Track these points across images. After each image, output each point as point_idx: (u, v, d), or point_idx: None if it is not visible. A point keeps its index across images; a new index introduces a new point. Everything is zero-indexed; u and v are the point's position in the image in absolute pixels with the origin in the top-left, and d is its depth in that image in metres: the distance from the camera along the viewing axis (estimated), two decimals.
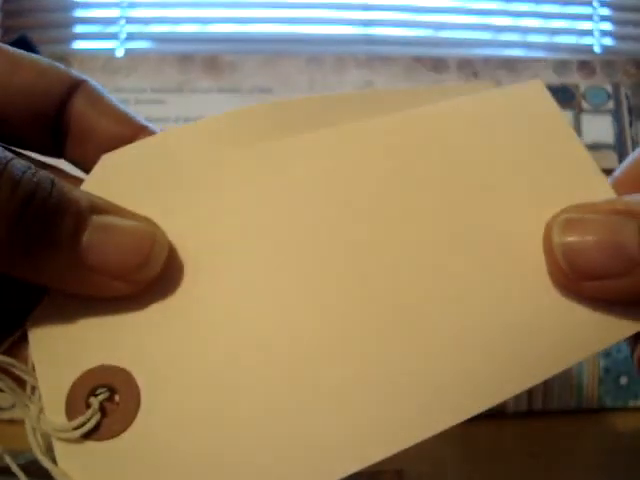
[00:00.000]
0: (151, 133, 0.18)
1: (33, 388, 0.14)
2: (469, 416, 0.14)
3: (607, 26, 0.70)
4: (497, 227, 0.16)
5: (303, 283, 0.15)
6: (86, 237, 0.14)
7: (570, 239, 0.14)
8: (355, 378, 0.14)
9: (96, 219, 0.14)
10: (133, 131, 0.18)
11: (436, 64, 0.65)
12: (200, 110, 0.57)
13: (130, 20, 0.68)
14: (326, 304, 0.15)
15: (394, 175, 0.16)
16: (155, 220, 0.15)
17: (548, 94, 0.17)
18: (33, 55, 0.17)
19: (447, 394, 0.14)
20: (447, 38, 0.69)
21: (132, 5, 0.68)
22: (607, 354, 0.41)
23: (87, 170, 0.17)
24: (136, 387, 0.14)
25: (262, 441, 0.14)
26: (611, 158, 0.51)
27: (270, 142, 0.16)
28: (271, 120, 0.17)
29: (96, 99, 0.18)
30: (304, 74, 0.63)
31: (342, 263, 0.15)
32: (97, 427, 0.14)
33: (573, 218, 0.15)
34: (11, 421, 0.35)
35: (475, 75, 0.63)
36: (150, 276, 0.14)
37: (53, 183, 0.13)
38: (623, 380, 0.44)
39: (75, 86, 0.17)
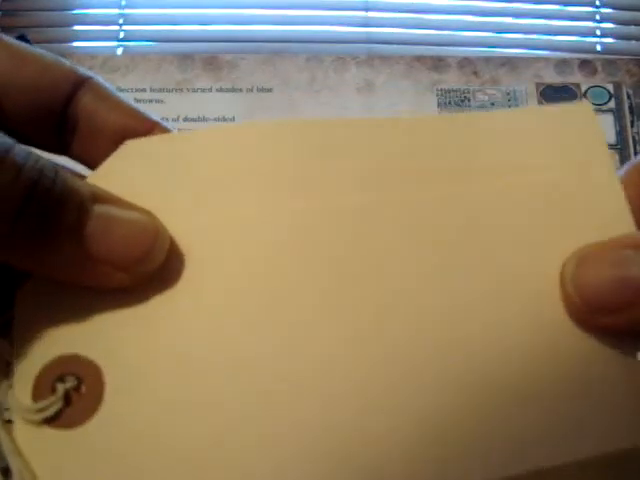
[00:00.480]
0: (163, 129, 0.18)
1: (8, 363, 0.14)
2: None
3: (609, 25, 0.70)
4: (519, 255, 0.16)
5: (295, 305, 0.15)
6: (89, 228, 0.13)
7: (582, 276, 0.15)
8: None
9: (98, 209, 0.14)
10: (146, 127, 0.17)
11: (436, 63, 0.65)
12: (200, 109, 0.57)
13: (129, 19, 0.68)
14: (322, 334, 0.15)
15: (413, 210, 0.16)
16: (159, 215, 0.15)
17: (595, 118, 0.17)
18: (37, 50, 0.17)
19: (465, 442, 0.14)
20: (448, 37, 0.69)
21: (131, 4, 0.68)
22: None
23: (95, 167, 0.16)
24: (102, 383, 0.14)
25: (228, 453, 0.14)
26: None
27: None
28: (299, 142, 0.16)
29: (105, 95, 0.17)
30: (304, 73, 0.63)
31: (346, 294, 0.15)
32: (59, 414, 0.14)
33: (584, 255, 0.15)
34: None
35: (476, 74, 0.63)
36: (152, 268, 0.14)
37: (56, 171, 0.13)
38: None
39: (80, 82, 0.17)
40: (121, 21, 0.67)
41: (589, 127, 0.17)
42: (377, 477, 0.14)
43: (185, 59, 0.59)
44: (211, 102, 0.57)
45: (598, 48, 0.69)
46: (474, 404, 0.14)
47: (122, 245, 0.14)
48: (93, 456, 0.13)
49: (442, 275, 0.15)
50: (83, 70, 0.17)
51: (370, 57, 0.63)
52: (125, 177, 0.15)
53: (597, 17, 0.70)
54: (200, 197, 0.16)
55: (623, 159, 0.54)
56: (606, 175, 0.16)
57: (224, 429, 0.14)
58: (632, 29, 0.70)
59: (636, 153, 0.54)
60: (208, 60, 0.59)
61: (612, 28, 0.70)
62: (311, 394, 0.14)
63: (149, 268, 0.14)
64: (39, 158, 0.13)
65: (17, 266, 0.13)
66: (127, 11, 0.68)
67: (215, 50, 0.65)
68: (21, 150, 0.13)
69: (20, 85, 0.16)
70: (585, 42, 0.70)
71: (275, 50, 0.66)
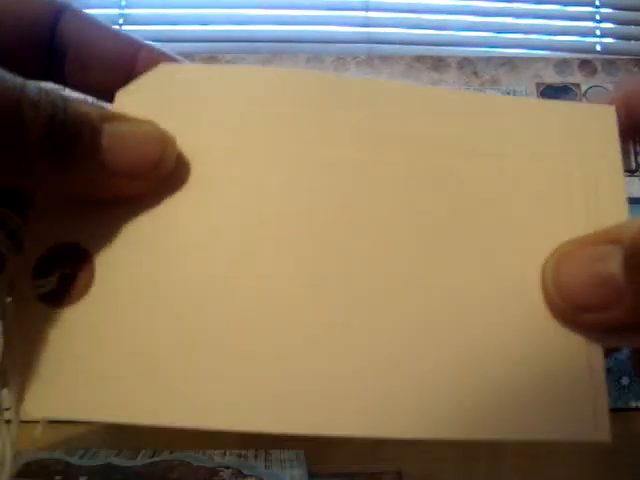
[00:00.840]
0: (150, 50, 0.18)
1: (22, 242, 0.16)
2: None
3: (609, 25, 0.70)
4: (512, 239, 0.16)
5: (289, 235, 0.16)
6: (103, 145, 0.15)
7: (561, 274, 0.15)
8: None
9: (108, 128, 0.15)
10: (133, 49, 0.18)
11: (436, 63, 0.65)
12: None
13: (129, 19, 0.68)
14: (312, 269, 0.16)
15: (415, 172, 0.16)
16: (175, 134, 0.16)
17: (614, 121, 0.17)
18: None
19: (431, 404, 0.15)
20: (448, 37, 0.69)
21: (131, 4, 0.68)
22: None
23: (91, 91, 0.18)
24: (92, 274, 0.15)
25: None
26: None
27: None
28: (320, 95, 0.17)
29: (88, 21, 0.18)
30: None
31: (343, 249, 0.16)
32: (53, 295, 0.15)
33: (564, 252, 0.15)
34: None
35: (475, 74, 0.63)
36: (163, 174, 0.16)
37: (65, 101, 0.14)
38: (624, 381, 0.44)
39: (61, 10, 0.18)
40: (121, 21, 0.67)
41: (606, 129, 0.17)
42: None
43: (185, 59, 0.59)
44: None
45: (598, 48, 0.69)
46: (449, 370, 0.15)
47: (133, 155, 0.15)
48: (74, 335, 0.15)
49: (431, 249, 0.16)
50: None
51: (370, 57, 0.64)
52: (153, 95, 0.17)
53: (597, 17, 0.70)
54: (214, 126, 0.17)
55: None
56: (611, 176, 0.16)
57: (200, 333, 0.15)
58: (632, 29, 0.70)
59: (636, 153, 0.54)
60: (208, 60, 0.59)
61: (612, 28, 0.70)
62: (292, 319, 0.15)
63: (160, 174, 0.15)
64: (48, 92, 0.14)
65: (45, 190, 0.15)
66: (127, 11, 0.68)
67: (215, 50, 0.65)
68: (33, 87, 0.13)
69: (4, 17, 0.17)
70: (585, 42, 0.70)
71: (275, 50, 0.66)
